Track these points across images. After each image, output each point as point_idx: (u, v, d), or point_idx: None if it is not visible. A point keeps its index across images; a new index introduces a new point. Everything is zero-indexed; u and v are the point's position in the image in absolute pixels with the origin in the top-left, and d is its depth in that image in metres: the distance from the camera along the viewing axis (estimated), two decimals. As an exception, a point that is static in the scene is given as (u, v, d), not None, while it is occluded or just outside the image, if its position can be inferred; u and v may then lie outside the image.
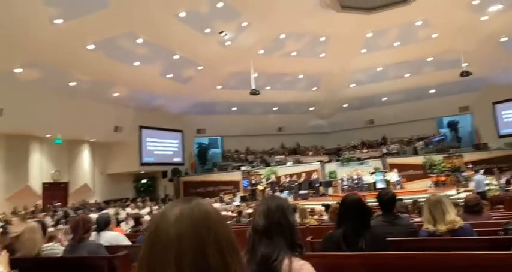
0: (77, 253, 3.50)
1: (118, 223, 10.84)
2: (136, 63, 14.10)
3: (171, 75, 15.82)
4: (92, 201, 16.55)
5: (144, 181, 19.95)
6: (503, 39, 15.24)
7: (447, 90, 19.17)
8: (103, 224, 4.42)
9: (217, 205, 15.53)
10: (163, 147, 19.91)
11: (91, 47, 12.11)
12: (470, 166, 16.66)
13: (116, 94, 15.63)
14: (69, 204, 15.43)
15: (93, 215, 6.12)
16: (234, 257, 0.81)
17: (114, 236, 4.47)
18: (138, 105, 17.34)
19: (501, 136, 19.60)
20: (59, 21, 10.36)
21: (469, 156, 18.28)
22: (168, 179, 19.90)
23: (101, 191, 18.02)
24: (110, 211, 11.68)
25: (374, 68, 18.08)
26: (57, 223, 9.92)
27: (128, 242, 4.57)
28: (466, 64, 15.29)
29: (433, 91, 19.67)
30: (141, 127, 18.51)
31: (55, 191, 15.83)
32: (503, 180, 14.55)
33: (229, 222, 8.81)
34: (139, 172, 19.35)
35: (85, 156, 17.56)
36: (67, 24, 10.51)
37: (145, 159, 18.68)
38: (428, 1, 12.34)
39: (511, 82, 18.09)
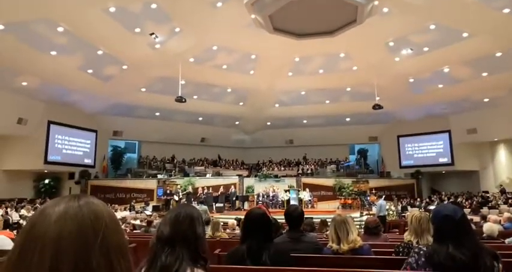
0: None
1: (8, 225, 9.63)
2: (53, 53, 12.98)
3: (91, 71, 14.82)
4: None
5: (46, 181, 18.14)
6: (411, 80, 17.08)
7: (360, 120, 20.83)
8: (-16, 226, 3.87)
9: (126, 213, 14.70)
10: (73, 146, 18.43)
11: (0, 27, 10.86)
12: (374, 192, 18.13)
13: (24, 83, 14.16)
14: None
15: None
16: (122, 263, 0.73)
17: (-4, 240, 3.91)
18: (50, 98, 15.93)
19: (402, 167, 21.79)
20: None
21: (374, 183, 19.94)
22: (74, 181, 18.34)
23: (-9, 188, 15.89)
24: (-1, 211, 10.36)
25: (298, 91, 18.94)
26: None
27: (13, 247, 4.02)
28: (379, 98, 16.79)
29: (348, 119, 21.20)
30: (50, 122, 16.99)
31: None
32: (400, 207, 16.10)
33: (138, 231, 8.34)
34: (43, 171, 17.61)
35: (-24, 148, 15.45)
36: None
37: (51, 158, 17.11)
38: (351, 37, 13.36)
39: (414, 119, 20.32)
